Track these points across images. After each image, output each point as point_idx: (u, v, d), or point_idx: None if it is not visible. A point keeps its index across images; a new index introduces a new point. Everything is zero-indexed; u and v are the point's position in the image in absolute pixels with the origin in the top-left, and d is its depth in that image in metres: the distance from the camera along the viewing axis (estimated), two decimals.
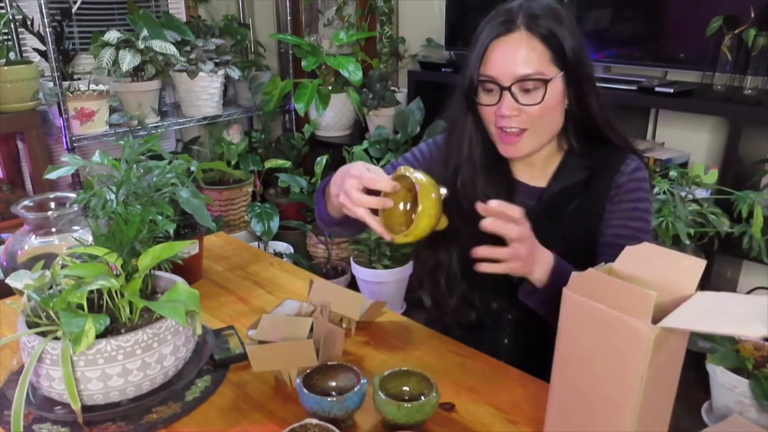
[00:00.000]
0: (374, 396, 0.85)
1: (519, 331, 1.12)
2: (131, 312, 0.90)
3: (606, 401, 0.71)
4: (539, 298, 0.95)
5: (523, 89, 0.96)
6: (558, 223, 1.04)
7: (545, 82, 0.96)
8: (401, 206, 0.92)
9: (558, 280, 0.88)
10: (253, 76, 2.97)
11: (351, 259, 2.61)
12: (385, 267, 2.43)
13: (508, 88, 0.96)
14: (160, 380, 0.90)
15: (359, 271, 2.50)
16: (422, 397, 0.87)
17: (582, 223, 1.04)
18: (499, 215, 0.84)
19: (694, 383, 1.77)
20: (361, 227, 1.08)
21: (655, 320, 0.65)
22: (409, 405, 0.83)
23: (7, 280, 0.94)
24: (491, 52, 0.97)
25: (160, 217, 1.00)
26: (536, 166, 1.08)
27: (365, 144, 2.57)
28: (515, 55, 0.95)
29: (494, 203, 0.84)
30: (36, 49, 2.51)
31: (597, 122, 1.03)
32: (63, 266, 0.92)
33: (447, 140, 1.10)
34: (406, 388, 0.90)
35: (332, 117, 2.98)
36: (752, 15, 1.87)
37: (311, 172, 2.64)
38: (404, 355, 1.08)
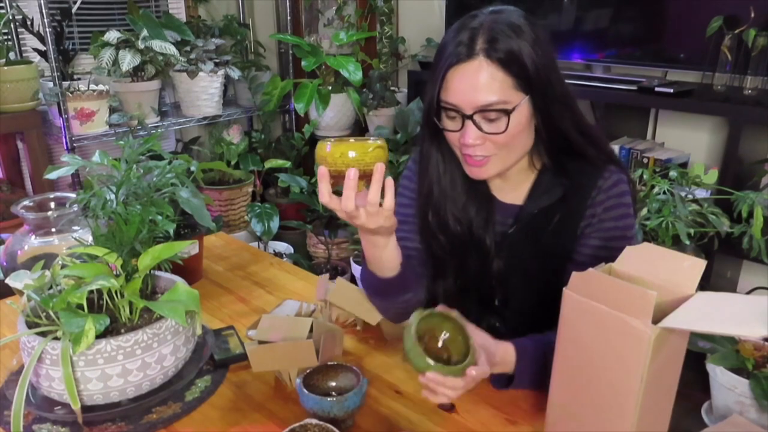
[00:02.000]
0: (408, 344, 0.82)
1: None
2: (131, 312, 0.90)
3: (606, 401, 0.71)
4: (518, 384, 0.93)
5: (487, 118, 0.92)
6: (536, 243, 1.02)
7: (508, 112, 0.91)
8: None
9: (530, 361, 0.91)
10: (253, 76, 2.97)
11: (351, 259, 2.61)
12: None
13: (471, 117, 0.91)
14: (160, 380, 0.90)
15: (359, 271, 2.50)
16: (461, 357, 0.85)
17: (559, 242, 1.01)
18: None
19: (694, 383, 1.77)
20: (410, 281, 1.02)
21: (655, 320, 0.65)
22: (443, 367, 0.81)
23: (7, 280, 0.94)
24: (451, 78, 0.92)
25: (160, 217, 1.00)
26: (510, 181, 1.04)
27: None
28: (476, 84, 0.90)
29: (430, 377, 0.82)
30: (36, 49, 2.51)
31: (570, 140, 0.98)
32: (63, 266, 0.92)
33: (420, 164, 1.06)
34: (443, 335, 0.89)
35: (332, 117, 2.97)
36: (752, 15, 1.87)
37: (311, 172, 2.64)
38: (404, 355, 1.07)
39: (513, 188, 1.05)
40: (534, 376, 0.92)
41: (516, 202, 1.05)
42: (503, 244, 1.03)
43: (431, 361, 0.80)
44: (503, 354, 0.91)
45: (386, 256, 0.93)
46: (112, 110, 2.47)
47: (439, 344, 0.89)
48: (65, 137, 2.35)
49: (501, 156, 0.95)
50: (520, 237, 1.02)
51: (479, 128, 0.92)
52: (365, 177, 0.81)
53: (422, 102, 2.57)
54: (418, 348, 0.81)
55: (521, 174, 1.03)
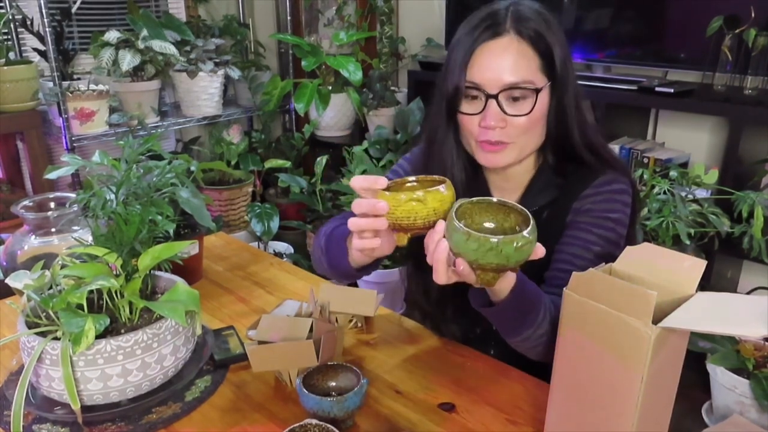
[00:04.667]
0: (450, 228, 0.71)
1: (505, 343, 1.10)
2: (131, 312, 0.90)
3: (606, 401, 0.71)
4: (494, 313, 0.86)
5: (511, 98, 0.90)
6: None
7: (536, 91, 0.90)
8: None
9: (518, 297, 0.82)
10: (253, 76, 2.97)
11: None
12: (385, 267, 2.43)
13: (495, 97, 0.90)
14: (159, 380, 0.90)
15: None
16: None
17: (549, 240, 0.96)
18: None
19: (694, 383, 1.77)
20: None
21: (656, 320, 0.65)
22: (497, 240, 0.67)
23: (7, 280, 0.94)
24: (477, 57, 0.90)
25: (160, 217, 1.00)
26: (513, 180, 1.03)
27: (365, 144, 2.57)
28: (503, 61, 0.89)
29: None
30: (36, 49, 2.51)
31: (573, 142, 0.97)
32: (63, 266, 0.92)
33: (427, 151, 1.03)
34: (488, 224, 0.76)
35: (332, 117, 2.97)
36: (752, 15, 1.87)
37: (311, 172, 2.64)
38: (404, 355, 1.07)
39: (512, 188, 1.04)
40: (514, 321, 0.86)
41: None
42: None
43: (493, 238, 0.66)
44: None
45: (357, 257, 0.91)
46: (112, 110, 2.47)
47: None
48: (65, 137, 2.35)
49: (519, 145, 0.94)
50: None
51: (502, 109, 0.91)
52: (412, 230, 0.76)
53: (424, 101, 2.58)
54: (463, 230, 0.68)
55: (524, 174, 1.03)
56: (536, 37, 0.90)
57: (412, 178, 0.83)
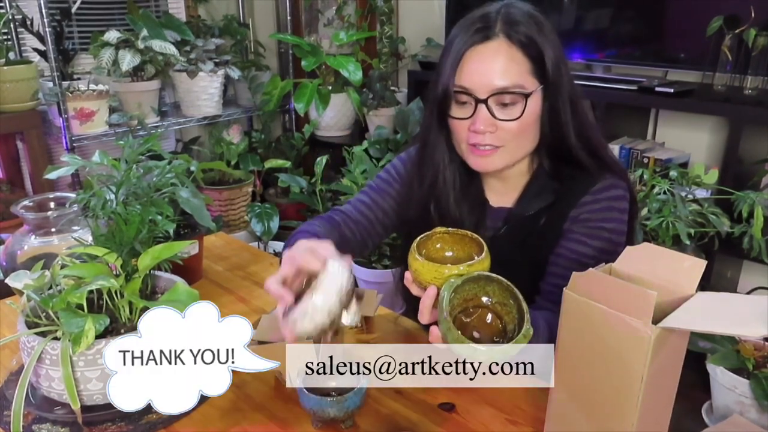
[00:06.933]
0: (443, 324, 0.71)
1: None
2: (131, 312, 0.90)
3: (606, 401, 0.71)
4: None
5: (500, 103, 0.90)
6: (523, 246, 1.00)
7: (525, 96, 0.89)
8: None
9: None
10: (253, 76, 2.97)
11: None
12: (385, 267, 2.43)
13: (484, 101, 0.89)
14: None
15: (359, 271, 2.50)
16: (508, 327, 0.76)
17: (544, 245, 0.99)
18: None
19: (694, 383, 1.77)
20: None
21: (656, 320, 0.65)
22: (485, 348, 0.70)
23: (7, 280, 0.94)
24: (467, 61, 0.90)
25: (160, 217, 1.00)
26: (508, 182, 1.02)
27: (365, 144, 2.57)
28: (492, 66, 0.89)
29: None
30: (36, 49, 2.51)
31: (570, 145, 0.95)
32: (63, 266, 0.92)
33: (421, 153, 1.03)
34: (485, 299, 0.78)
35: (332, 117, 2.97)
36: (752, 15, 1.87)
37: (311, 172, 2.64)
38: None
39: (508, 190, 1.03)
40: None
41: (506, 205, 1.04)
42: (491, 247, 1.02)
43: (479, 346, 0.69)
44: None
45: None
46: (112, 110, 2.48)
47: (488, 318, 0.78)
48: (65, 137, 2.35)
49: (509, 149, 0.94)
50: (508, 240, 1.00)
51: (492, 114, 0.90)
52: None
53: (423, 101, 2.59)
54: (455, 332, 0.70)
55: (520, 177, 1.02)
56: (526, 41, 0.89)
57: (444, 230, 0.84)
